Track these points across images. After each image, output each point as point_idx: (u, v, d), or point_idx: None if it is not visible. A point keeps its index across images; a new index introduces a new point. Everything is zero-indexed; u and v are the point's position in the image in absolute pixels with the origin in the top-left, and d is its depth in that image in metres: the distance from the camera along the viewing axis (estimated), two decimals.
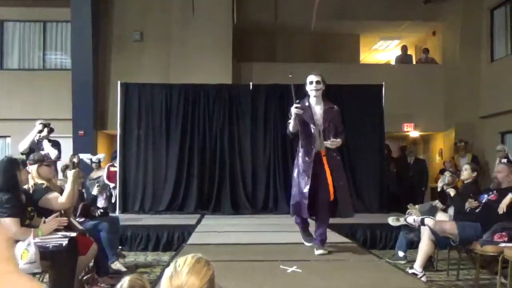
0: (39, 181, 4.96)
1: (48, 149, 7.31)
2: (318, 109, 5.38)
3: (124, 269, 6.05)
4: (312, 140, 5.25)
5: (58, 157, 7.55)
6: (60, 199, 4.87)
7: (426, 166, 12.24)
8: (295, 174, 5.40)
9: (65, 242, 4.27)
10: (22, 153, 7.41)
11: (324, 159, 5.26)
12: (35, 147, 7.38)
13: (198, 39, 12.23)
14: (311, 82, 5.44)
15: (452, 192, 6.51)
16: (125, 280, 2.10)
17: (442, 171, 10.26)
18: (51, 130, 7.48)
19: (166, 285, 2.04)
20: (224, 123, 10.22)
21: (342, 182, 5.32)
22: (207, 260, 2.11)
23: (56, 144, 7.61)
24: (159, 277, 4.10)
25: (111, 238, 5.99)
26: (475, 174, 6.43)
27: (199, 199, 9.99)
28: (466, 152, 11.22)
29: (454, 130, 12.55)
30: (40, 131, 7.38)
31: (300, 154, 5.33)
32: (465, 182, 6.58)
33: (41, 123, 7.48)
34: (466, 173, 6.50)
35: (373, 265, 4.98)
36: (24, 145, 7.44)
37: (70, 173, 5.07)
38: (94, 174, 9.73)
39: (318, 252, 5.27)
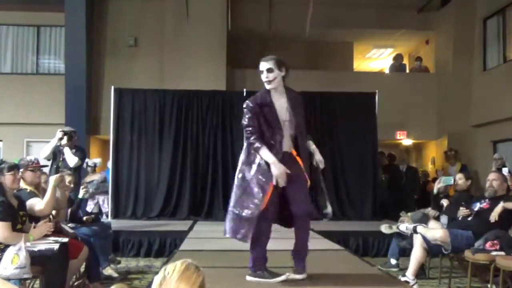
0: (24, 186, 4.94)
1: (68, 156, 7.33)
2: (282, 103, 4.25)
3: (115, 275, 6.02)
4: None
5: (79, 164, 7.57)
6: (38, 206, 4.83)
7: (418, 174, 12.26)
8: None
9: (56, 246, 4.24)
10: (47, 159, 7.47)
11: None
12: (57, 153, 7.41)
13: (192, 45, 12.24)
14: (261, 72, 4.23)
15: (445, 202, 6.54)
16: None
17: (434, 180, 10.29)
18: (70, 138, 7.46)
19: None
20: (217, 129, 10.21)
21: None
22: (197, 266, 2.09)
23: (79, 150, 7.62)
24: (149, 284, 4.08)
25: (102, 244, 5.97)
26: (469, 182, 6.54)
27: (192, 205, 9.96)
28: (456, 160, 11.28)
29: (447, 138, 12.61)
30: (60, 139, 7.38)
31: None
32: (459, 190, 6.62)
33: (61, 131, 7.50)
34: (462, 182, 6.58)
35: (365, 273, 4.98)
36: (45, 152, 7.47)
37: (52, 179, 5.05)
38: (88, 178, 9.69)
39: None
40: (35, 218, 4.71)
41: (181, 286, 1.99)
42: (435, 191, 7.13)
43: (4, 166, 4.45)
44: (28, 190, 4.97)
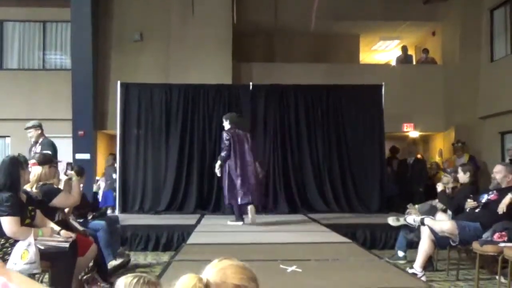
0: (49, 181, 4.97)
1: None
2: None
3: (118, 262, 6.06)
4: None
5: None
6: (72, 197, 5.15)
7: (426, 166, 12.23)
8: None
9: (66, 244, 4.25)
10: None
11: None
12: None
13: (198, 39, 12.24)
14: None
15: (439, 187, 6.46)
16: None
17: (444, 171, 10.27)
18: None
19: None
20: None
21: None
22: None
23: (46, 146, 7.53)
24: (159, 277, 4.09)
25: (108, 238, 5.94)
26: (468, 174, 6.33)
27: (199, 199, 9.99)
28: (464, 152, 11.23)
29: (454, 130, 12.55)
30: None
31: None
32: (463, 183, 6.54)
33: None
34: (460, 176, 6.46)
35: (373, 265, 4.98)
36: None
37: (72, 173, 5.17)
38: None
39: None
40: (50, 213, 4.77)
41: None
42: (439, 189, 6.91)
43: (22, 160, 4.46)
44: (56, 186, 5.02)
